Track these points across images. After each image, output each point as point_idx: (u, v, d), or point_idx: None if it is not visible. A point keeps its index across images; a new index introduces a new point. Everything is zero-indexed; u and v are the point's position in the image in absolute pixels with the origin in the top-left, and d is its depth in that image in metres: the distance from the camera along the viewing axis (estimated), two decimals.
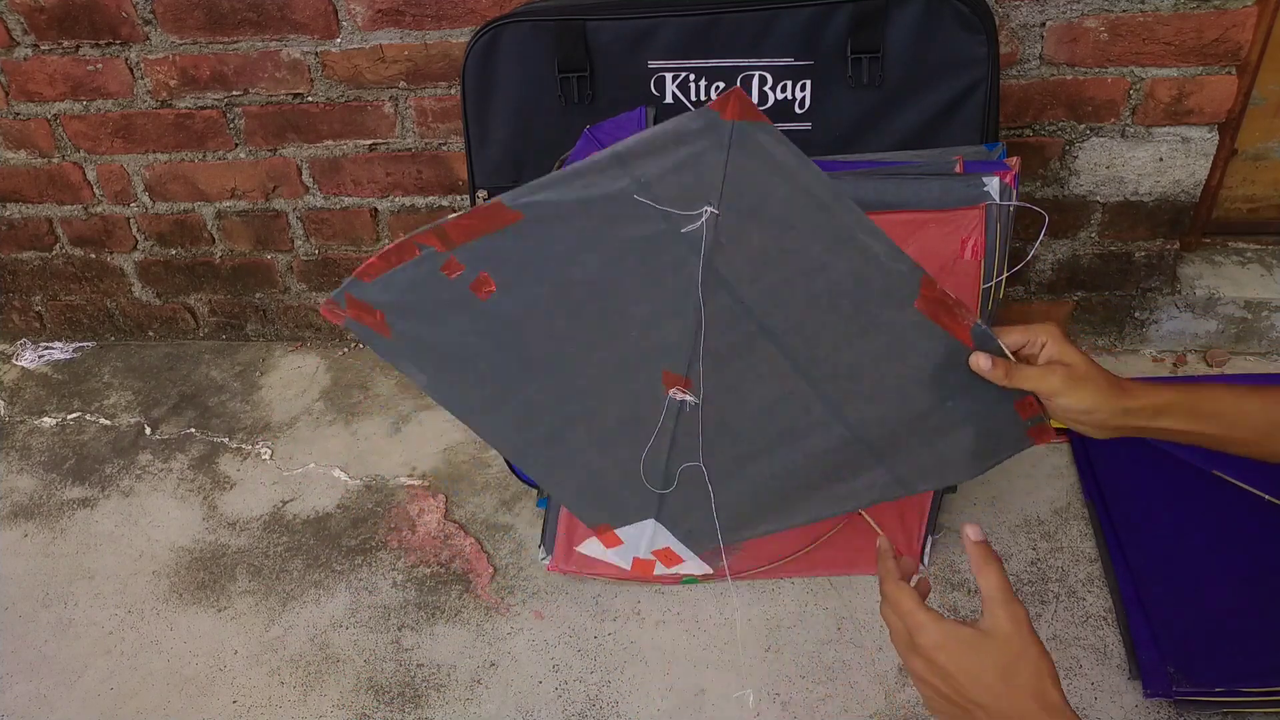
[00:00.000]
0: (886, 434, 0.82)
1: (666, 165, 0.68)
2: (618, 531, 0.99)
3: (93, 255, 1.59)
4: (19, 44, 1.36)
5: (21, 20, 1.33)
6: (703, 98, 1.05)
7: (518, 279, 0.76)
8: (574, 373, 0.83)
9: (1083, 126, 1.24)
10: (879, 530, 1.11)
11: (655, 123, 1.04)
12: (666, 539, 0.99)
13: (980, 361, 0.74)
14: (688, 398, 0.82)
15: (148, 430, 1.48)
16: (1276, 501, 1.12)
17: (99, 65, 1.36)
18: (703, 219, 0.70)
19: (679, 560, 1.02)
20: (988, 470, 0.84)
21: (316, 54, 1.30)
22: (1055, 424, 1.26)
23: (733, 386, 0.82)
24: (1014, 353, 0.75)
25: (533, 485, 1.28)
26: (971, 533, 0.69)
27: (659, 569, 1.04)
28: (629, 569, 1.05)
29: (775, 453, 0.86)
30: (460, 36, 1.26)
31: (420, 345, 0.81)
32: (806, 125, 1.05)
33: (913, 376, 0.77)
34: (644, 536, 0.99)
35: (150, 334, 1.68)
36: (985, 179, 0.97)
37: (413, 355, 0.82)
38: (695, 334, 0.78)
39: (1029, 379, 0.73)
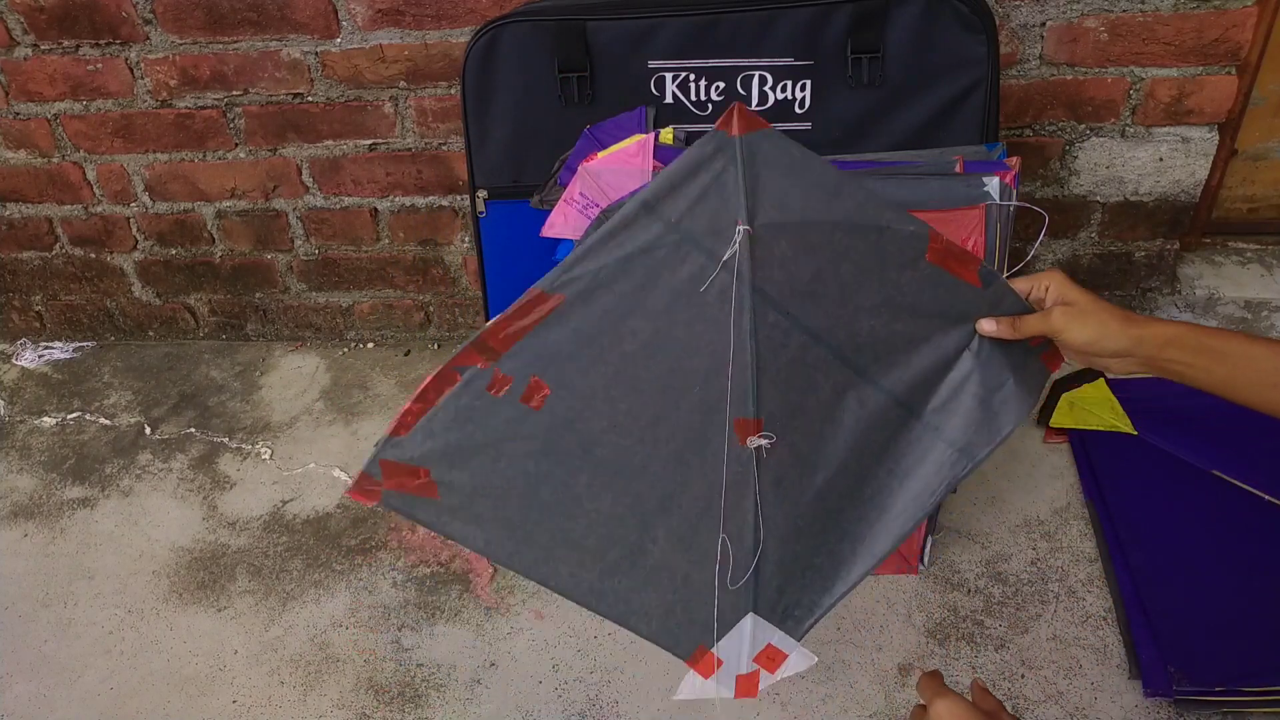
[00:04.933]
0: (937, 401, 0.81)
1: (691, 197, 0.68)
2: (716, 650, 0.88)
3: (93, 255, 1.59)
4: (19, 44, 1.36)
5: (21, 20, 1.33)
6: (703, 98, 1.05)
7: (570, 372, 0.72)
8: (646, 463, 0.78)
9: (1083, 126, 1.24)
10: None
11: (655, 123, 1.05)
12: (767, 633, 0.89)
13: (985, 325, 0.77)
14: (763, 441, 0.78)
15: (148, 430, 1.48)
16: (1276, 501, 1.12)
17: (99, 65, 1.36)
18: (737, 240, 0.69)
19: (783, 657, 0.91)
20: (1029, 411, 0.82)
21: (316, 54, 1.30)
22: (1055, 424, 1.26)
23: (796, 408, 0.79)
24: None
25: None
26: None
27: (764, 679, 0.92)
28: (734, 694, 0.92)
29: (850, 468, 0.82)
30: (460, 36, 1.26)
31: (474, 494, 0.75)
32: (807, 125, 1.05)
33: (940, 329, 0.78)
34: (744, 642, 0.88)
35: (150, 334, 1.68)
36: (985, 179, 0.97)
37: (467, 511, 0.75)
38: (755, 366, 0.75)
39: (1034, 325, 0.76)
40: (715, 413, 0.76)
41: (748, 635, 0.87)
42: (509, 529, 0.77)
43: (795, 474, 0.81)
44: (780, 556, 0.84)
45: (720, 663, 0.89)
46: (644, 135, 1.03)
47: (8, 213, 1.55)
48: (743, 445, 0.78)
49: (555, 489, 0.77)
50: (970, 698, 0.67)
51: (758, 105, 1.04)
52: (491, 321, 0.69)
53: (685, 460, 0.78)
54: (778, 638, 0.88)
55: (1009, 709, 0.69)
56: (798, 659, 0.89)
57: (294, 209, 1.47)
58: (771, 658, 0.90)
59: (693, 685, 0.90)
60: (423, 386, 0.69)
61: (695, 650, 0.87)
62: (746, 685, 0.91)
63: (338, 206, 1.46)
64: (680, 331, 0.73)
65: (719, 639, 0.87)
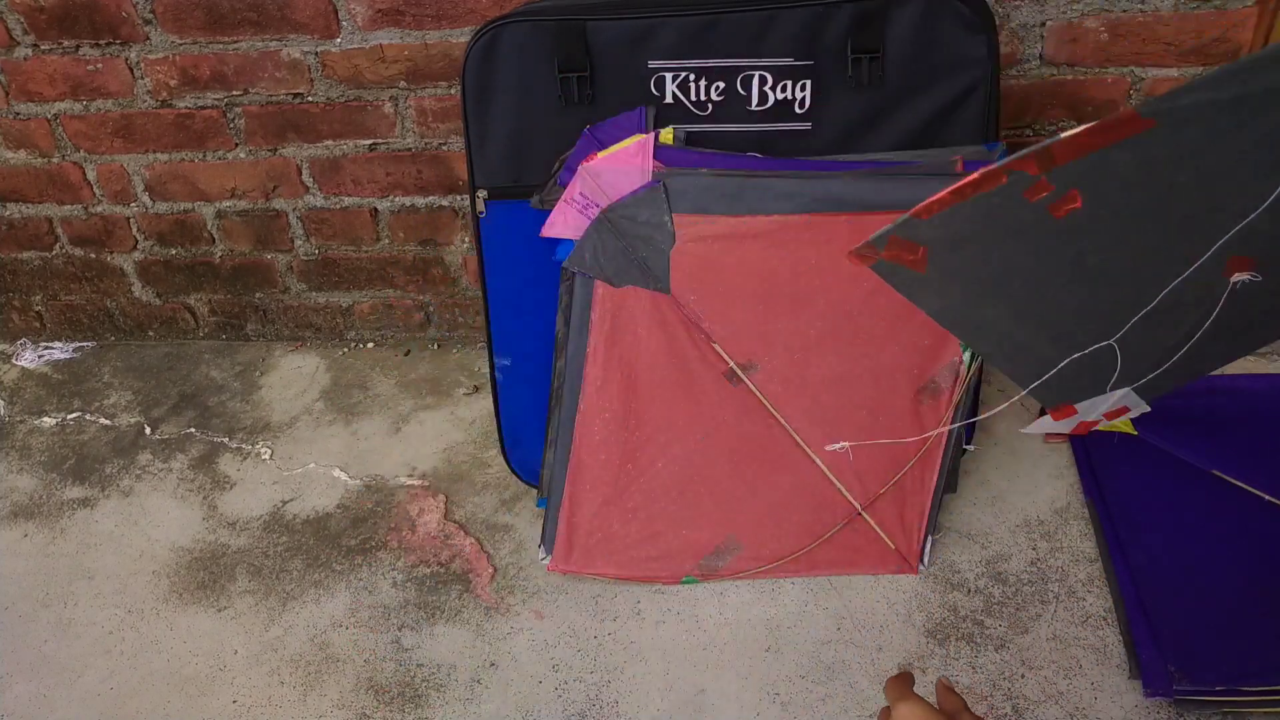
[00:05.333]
0: None
1: None
2: (1078, 405, 0.92)
3: (93, 255, 1.59)
4: (19, 44, 1.36)
5: (21, 20, 1.33)
6: (703, 98, 1.05)
7: (1111, 190, 0.69)
8: (1127, 276, 0.76)
9: None
10: (883, 534, 1.11)
11: (655, 123, 1.05)
12: (1127, 399, 0.92)
13: None
14: (1245, 277, 0.76)
15: (148, 430, 1.48)
16: (1276, 501, 1.12)
17: (99, 65, 1.36)
18: None
19: (1124, 411, 0.95)
20: None
21: (316, 54, 1.30)
22: (1054, 433, 1.25)
23: None
24: None
25: (533, 485, 1.28)
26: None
27: (1102, 425, 0.97)
28: (1070, 431, 0.98)
29: None
30: (460, 36, 1.26)
31: (953, 274, 0.75)
32: (807, 125, 1.05)
33: None
34: (1105, 403, 0.92)
35: (150, 334, 1.68)
36: None
37: (939, 285, 0.76)
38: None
39: None
40: (1224, 248, 0.74)
41: (1112, 400, 0.91)
42: (965, 303, 0.79)
43: (1251, 304, 0.80)
44: (1186, 358, 0.85)
45: (1074, 411, 0.92)
46: (644, 135, 1.03)
47: (8, 213, 1.55)
48: (1225, 277, 0.76)
49: (1027, 282, 0.77)
50: (935, 698, 0.67)
51: (757, 105, 1.05)
52: (1067, 134, 0.66)
53: (1163, 278, 0.76)
54: (1133, 401, 0.92)
55: (1009, 705, 0.69)
56: (1136, 411, 0.93)
57: (294, 209, 1.47)
58: (1118, 413, 0.94)
59: (1042, 424, 0.94)
60: (964, 182, 0.68)
61: (1062, 405, 0.91)
62: (1084, 426, 0.96)
63: (338, 206, 1.46)
64: (1245, 171, 0.69)
65: (1084, 399, 0.91)
